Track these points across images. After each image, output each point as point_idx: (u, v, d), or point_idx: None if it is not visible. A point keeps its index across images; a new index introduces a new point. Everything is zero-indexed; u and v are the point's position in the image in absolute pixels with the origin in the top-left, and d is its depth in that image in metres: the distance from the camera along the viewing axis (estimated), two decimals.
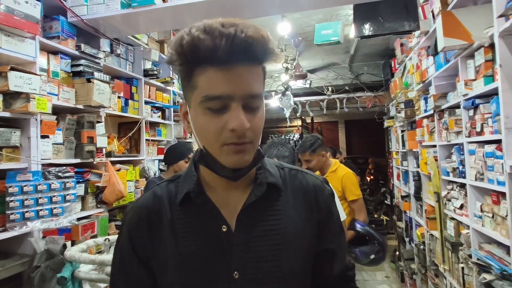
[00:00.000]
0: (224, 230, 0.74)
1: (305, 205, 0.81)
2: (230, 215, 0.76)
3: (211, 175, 0.78)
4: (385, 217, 6.90)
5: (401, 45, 4.21)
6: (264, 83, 0.75)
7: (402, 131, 4.52)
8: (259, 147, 0.77)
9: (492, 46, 1.96)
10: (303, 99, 6.88)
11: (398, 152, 4.94)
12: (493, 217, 2.04)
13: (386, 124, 5.61)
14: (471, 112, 2.29)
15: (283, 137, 8.77)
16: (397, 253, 5.13)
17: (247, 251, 0.74)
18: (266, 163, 0.83)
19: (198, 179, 0.79)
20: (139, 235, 0.78)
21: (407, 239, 4.56)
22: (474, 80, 2.20)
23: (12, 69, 1.97)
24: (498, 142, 1.92)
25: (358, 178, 6.92)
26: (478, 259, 2.09)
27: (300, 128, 9.95)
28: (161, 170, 3.62)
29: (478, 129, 2.15)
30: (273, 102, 6.17)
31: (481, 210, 2.19)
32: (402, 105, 3.98)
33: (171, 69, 0.74)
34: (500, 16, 1.64)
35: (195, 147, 4.21)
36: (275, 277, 0.73)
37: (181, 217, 0.77)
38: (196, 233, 0.75)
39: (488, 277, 1.91)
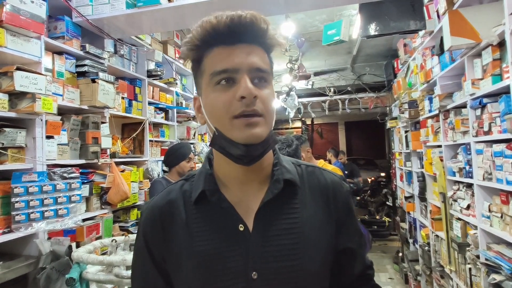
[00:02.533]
0: (241, 229, 0.73)
1: (323, 203, 0.79)
2: (246, 213, 0.74)
3: (226, 171, 0.76)
4: (387, 219, 6.89)
5: (404, 45, 4.21)
6: (271, 70, 0.76)
7: (406, 131, 4.50)
8: (272, 132, 0.75)
9: (500, 44, 1.95)
10: (305, 100, 6.86)
11: (401, 153, 4.93)
12: (501, 217, 2.03)
13: (388, 125, 5.59)
14: (478, 112, 2.28)
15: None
16: (400, 254, 5.11)
17: (265, 250, 0.72)
18: (282, 160, 0.81)
19: (213, 177, 0.77)
20: (154, 237, 0.77)
21: (410, 240, 4.54)
22: (481, 79, 2.19)
23: (18, 69, 1.95)
24: (506, 141, 1.91)
25: (360, 179, 6.95)
26: (486, 259, 2.07)
27: (301, 130, 9.93)
28: (164, 171, 3.60)
29: (486, 129, 2.14)
30: (276, 103, 6.14)
31: (489, 210, 2.17)
32: (406, 106, 3.97)
33: (184, 65, 0.77)
34: None
35: (198, 147, 4.20)
36: (294, 277, 0.72)
37: (196, 216, 0.75)
38: (212, 232, 0.74)
39: (497, 277, 1.90)
